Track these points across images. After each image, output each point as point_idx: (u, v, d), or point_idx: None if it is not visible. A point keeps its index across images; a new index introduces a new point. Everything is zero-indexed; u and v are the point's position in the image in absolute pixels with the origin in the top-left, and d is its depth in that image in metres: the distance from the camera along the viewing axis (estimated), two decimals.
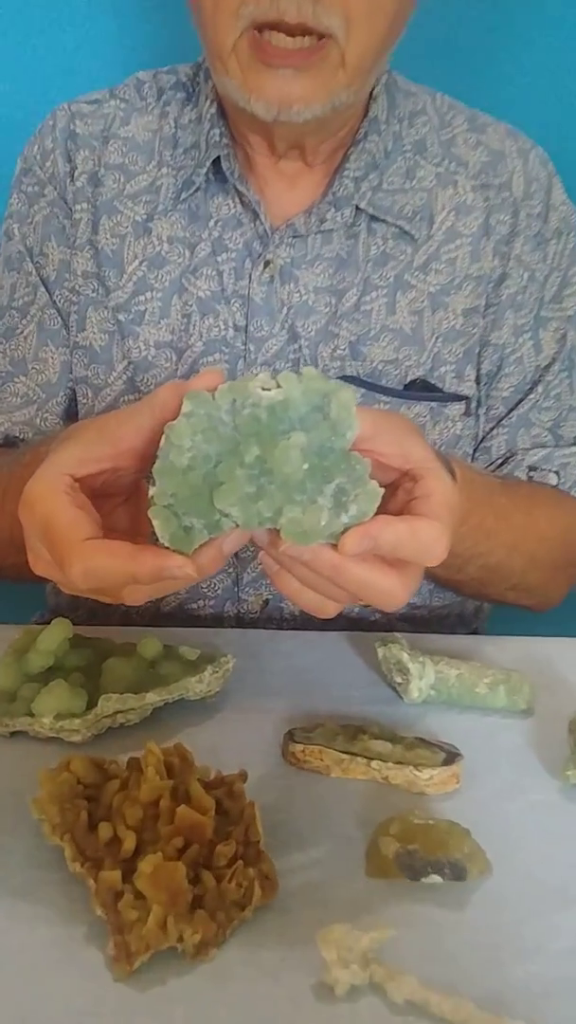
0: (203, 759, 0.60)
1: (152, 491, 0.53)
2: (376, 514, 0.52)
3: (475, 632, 1.02)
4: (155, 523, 0.52)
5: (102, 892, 0.52)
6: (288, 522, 0.51)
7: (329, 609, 0.56)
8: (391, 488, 0.56)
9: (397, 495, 0.56)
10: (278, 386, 0.51)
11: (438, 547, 0.53)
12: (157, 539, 0.53)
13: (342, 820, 0.60)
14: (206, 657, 0.71)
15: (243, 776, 0.58)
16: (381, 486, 0.53)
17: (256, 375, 0.52)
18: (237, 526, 0.52)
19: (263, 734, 0.68)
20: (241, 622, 0.92)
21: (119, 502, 0.61)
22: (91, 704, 0.66)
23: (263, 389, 0.51)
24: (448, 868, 0.55)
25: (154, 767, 0.56)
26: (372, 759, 0.63)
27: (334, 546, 0.52)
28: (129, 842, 0.53)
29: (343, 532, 0.52)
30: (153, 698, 0.67)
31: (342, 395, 0.52)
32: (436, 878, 0.55)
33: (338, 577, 0.53)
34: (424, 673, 0.70)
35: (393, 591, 0.53)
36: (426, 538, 0.52)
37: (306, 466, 0.51)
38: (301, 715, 0.70)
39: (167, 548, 0.53)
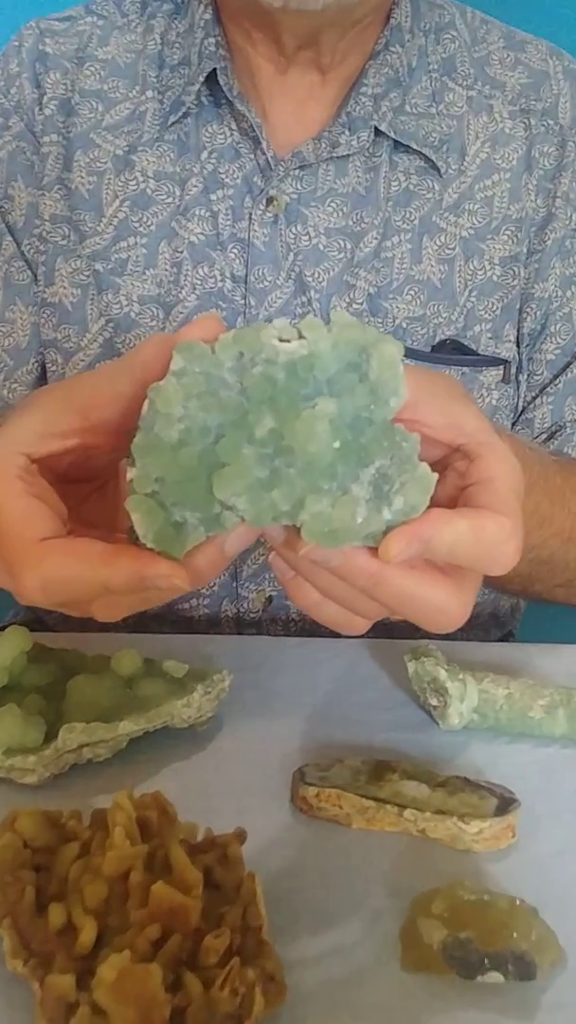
0: (191, 806, 0.47)
1: (131, 474, 0.40)
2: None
3: (510, 634, 0.89)
4: (134, 517, 0.39)
5: (49, 1003, 0.38)
6: (312, 518, 0.38)
7: (357, 625, 0.43)
8: (438, 468, 0.43)
9: (446, 477, 0.43)
10: (300, 336, 0.38)
11: (507, 550, 0.40)
12: (137, 537, 0.40)
13: (368, 888, 0.47)
14: (196, 674, 0.58)
15: (240, 836, 0.45)
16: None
17: (270, 323, 0.39)
18: (243, 521, 0.39)
19: (267, 771, 0.55)
20: (240, 623, 0.79)
21: (92, 489, 0.48)
22: (51, 735, 0.53)
23: (280, 340, 0.38)
24: (512, 963, 0.41)
25: (123, 827, 0.43)
26: (405, 807, 0.49)
27: (372, 549, 0.39)
28: (88, 932, 0.40)
29: (384, 532, 0.39)
30: (129, 727, 0.54)
31: (385, 349, 0.39)
32: (497, 976, 0.41)
33: (376, 589, 0.40)
34: (466, 694, 0.56)
35: (447, 607, 0.40)
36: (493, 539, 0.39)
37: (337, 444, 0.38)
38: (313, 746, 0.57)
39: (150, 549, 0.40)
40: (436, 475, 0.40)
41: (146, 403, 0.39)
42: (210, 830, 0.45)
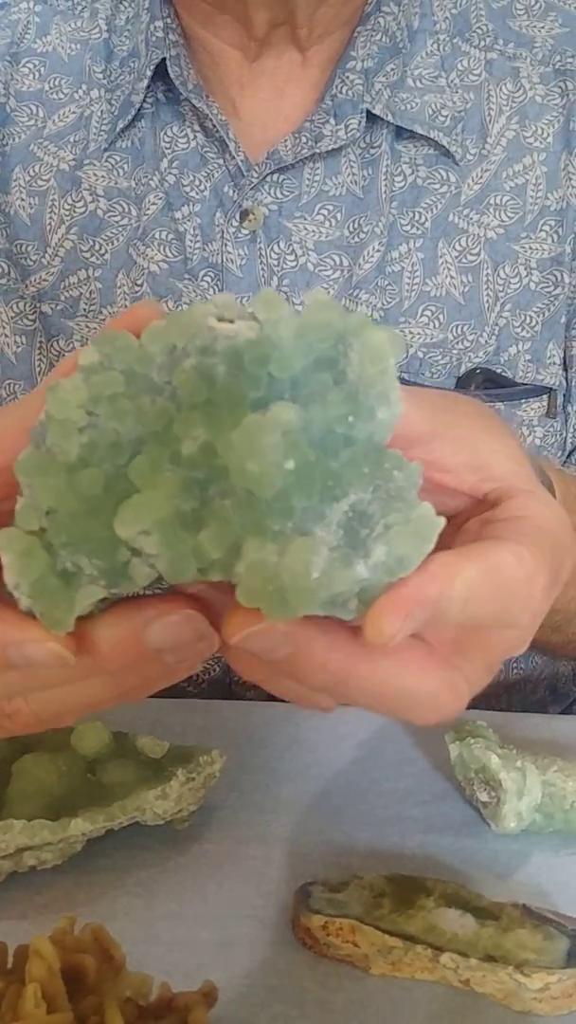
0: (160, 933, 0.36)
1: (18, 504, 0.27)
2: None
3: (575, 704, 0.75)
4: (4, 560, 0.27)
5: None
6: (250, 570, 0.25)
7: (323, 703, 0.30)
8: (452, 526, 0.30)
9: (464, 532, 0.30)
10: (253, 318, 0.26)
11: (533, 590, 0.27)
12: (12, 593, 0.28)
13: None
14: (178, 754, 0.46)
15: (209, 996, 0.32)
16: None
17: (210, 300, 0.27)
18: (158, 575, 0.27)
19: (263, 886, 0.42)
20: (259, 689, 0.66)
21: None
22: None
23: (220, 320, 0.26)
24: None
25: (39, 985, 0.30)
26: (442, 949, 0.36)
27: (338, 623, 0.26)
28: None
29: (359, 595, 0.26)
30: (83, 826, 0.41)
31: (370, 338, 0.26)
32: None
33: (341, 689, 0.27)
34: (526, 788, 0.43)
35: (436, 697, 0.27)
36: (513, 579, 0.27)
37: (291, 464, 0.25)
38: (326, 852, 0.44)
39: (25, 611, 0.27)
40: (442, 520, 0.27)
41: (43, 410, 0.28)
42: (167, 986, 0.33)
